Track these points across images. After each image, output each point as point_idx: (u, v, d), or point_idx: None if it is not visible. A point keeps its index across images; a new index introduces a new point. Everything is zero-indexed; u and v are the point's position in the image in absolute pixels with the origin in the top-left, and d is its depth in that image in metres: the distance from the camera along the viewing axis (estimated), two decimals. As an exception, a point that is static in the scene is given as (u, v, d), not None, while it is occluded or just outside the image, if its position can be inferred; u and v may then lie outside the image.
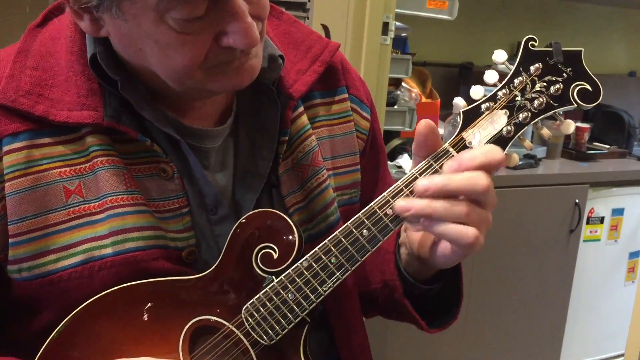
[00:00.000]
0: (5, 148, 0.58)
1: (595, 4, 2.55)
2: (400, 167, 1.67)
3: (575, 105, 0.54)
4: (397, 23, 1.54)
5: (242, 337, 0.59)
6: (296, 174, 0.67)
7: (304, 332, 0.60)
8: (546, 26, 2.49)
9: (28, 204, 0.57)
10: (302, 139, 0.67)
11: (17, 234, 0.57)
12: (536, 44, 0.55)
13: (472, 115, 0.56)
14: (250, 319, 0.59)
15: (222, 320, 0.60)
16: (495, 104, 0.55)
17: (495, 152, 0.53)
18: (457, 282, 0.68)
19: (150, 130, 0.61)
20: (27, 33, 0.62)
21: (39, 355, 0.58)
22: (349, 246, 0.57)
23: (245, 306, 0.59)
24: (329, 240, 0.58)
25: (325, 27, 1.37)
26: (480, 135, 0.55)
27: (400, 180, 0.57)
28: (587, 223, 2.08)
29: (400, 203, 0.55)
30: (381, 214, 0.57)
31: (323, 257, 0.58)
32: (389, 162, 1.45)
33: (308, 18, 1.40)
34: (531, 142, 0.58)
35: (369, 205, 0.57)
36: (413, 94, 1.70)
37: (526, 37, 0.54)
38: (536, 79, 0.55)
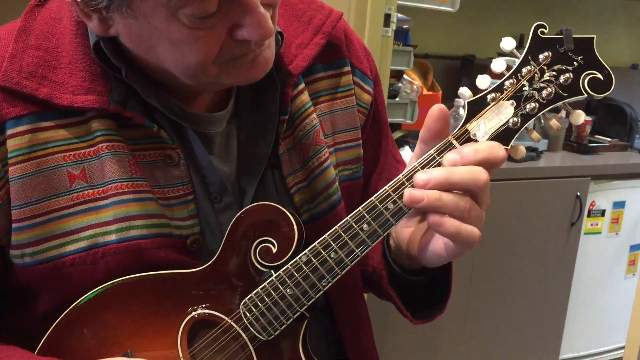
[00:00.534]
0: (9, 132, 0.56)
1: (598, -5, 2.53)
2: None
3: (586, 95, 0.52)
4: (399, 15, 1.53)
5: (240, 331, 0.59)
6: (297, 153, 0.66)
7: (303, 327, 0.60)
8: (548, 18, 2.46)
9: (32, 188, 0.56)
10: (302, 118, 0.66)
11: (21, 219, 0.57)
12: (546, 31, 0.52)
13: (478, 106, 0.54)
14: (248, 314, 0.59)
15: (221, 314, 0.59)
16: (501, 95, 0.53)
17: (499, 149, 0.52)
18: (447, 274, 0.66)
19: (155, 117, 0.60)
20: (28, 11, 0.60)
21: (40, 344, 0.58)
22: (348, 241, 0.56)
23: (243, 301, 0.59)
24: (328, 235, 0.57)
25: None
26: (485, 127, 0.53)
27: (401, 174, 0.56)
28: (588, 216, 2.07)
29: (414, 192, 0.53)
30: (382, 208, 0.55)
31: (322, 251, 0.57)
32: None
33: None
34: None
35: (369, 199, 0.56)
36: (414, 86, 1.69)
37: (535, 24, 0.52)
38: (545, 67, 0.52)
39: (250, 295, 0.58)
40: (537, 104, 0.53)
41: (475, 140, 0.54)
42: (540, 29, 0.52)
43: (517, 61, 0.53)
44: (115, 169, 0.58)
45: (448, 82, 2.13)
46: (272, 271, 0.58)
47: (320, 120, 0.68)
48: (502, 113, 0.53)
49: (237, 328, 0.59)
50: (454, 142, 0.54)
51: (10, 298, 0.61)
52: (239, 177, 0.65)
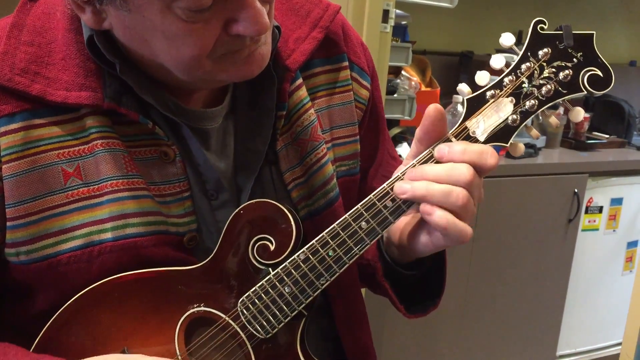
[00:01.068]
0: (1, 129, 0.56)
1: (596, -8, 2.53)
2: (400, 156, 1.66)
3: (585, 92, 0.52)
4: (397, 11, 1.52)
5: (238, 329, 0.58)
6: (295, 149, 0.65)
7: (301, 325, 0.59)
8: (547, 14, 2.46)
9: (26, 186, 0.56)
10: (300, 113, 0.65)
11: (15, 217, 0.56)
12: (545, 27, 0.52)
13: (477, 103, 0.53)
14: (246, 312, 0.58)
15: (218, 312, 0.59)
16: (501, 91, 0.53)
17: (488, 157, 0.52)
18: (441, 269, 0.66)
19: (150, 114, 0.60)
20: (20, 6, 0.60)
21: (36, 342, 0.57)
22: (347, 239, 0.56)
23: (241, 299, 0.58)
24: (326, 233, 0.56)
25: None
26: (484, 124, 0.53)
27: (400, 172, 0.56)
28: (586, 212, 2.08)
29: (400, 184, 0.54)
30: (380, 206, 0.55)
31: (320, 249, 0.56)
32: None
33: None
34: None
35: (368, 197, 0.56)
36: (413, 83, 1.68)
37: (535, 20, 0.51)
38: (544, 64, 0.52)
39: (247, 293, 0.58)
40: (536, 101, 0.53)
41: (475, 138, 0.54)
42: (540, 25, 0.52)
43: (516, 57, 0.53)
44: (110, 166, 0.57)
45: (446, 79, 2.13)
46: (270, 269, 0.58)
47: (317, 116, 0.67)
48: (502, 110, 0.52)
49: (235, 326, 0.58)
50: (453, 139, 0.54)
51: (7, 295, 0.61)
52: (235, 173, 0.64)
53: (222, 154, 0.64)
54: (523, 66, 0.52)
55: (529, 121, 0.53)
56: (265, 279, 0.58)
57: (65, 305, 0.57)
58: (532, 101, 0.53)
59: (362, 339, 0.72)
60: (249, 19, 0.52)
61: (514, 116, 0.53)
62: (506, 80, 0.53)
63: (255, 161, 0.63)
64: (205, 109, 0.63)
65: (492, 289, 1.93)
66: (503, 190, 1.82)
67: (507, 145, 0.54)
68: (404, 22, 1.72)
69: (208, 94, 0.64)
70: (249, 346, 0.58)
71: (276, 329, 0.58)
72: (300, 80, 0.66)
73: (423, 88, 1.77)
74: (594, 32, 0.51)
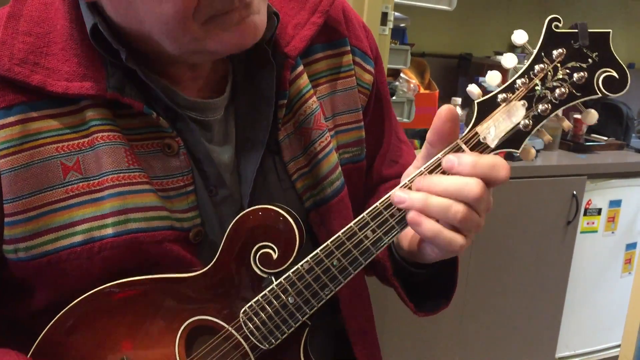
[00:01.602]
0: None
1: (594, -6, 2.53)
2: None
3: (600, 94, 0.50)
4: (396, 13, 1.52)
5: (241, 340, 0.57)
6: (298, 138, 0.63)
7: (304, 335, 0.58)
8: (546, 16, 2.45)
9: (24, 181, 0.54)
10: (302, 101, 0.63)
11: (13, 213, 0.54)
12: (560, 25, 0.49)
13: (487, 107, 0.51)
14: (249, 323, 0.57)
15: (221, 321, 0.57)
16: (513, 95, 0.50)
17: (500, 169, 0.50)
18: (452, 268, 0.65)
19: (152, 106, 0.58)
20: None
21: (35, 345, 0.56)
22: (352, 248, 0.54)
23: (243, 309, 0.57)
24: (331, 242, 0.55)
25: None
26: (496, 129, 0.50)
27: (407, 179, 0.54)
28: (585, 214, 2.07)
29: (398, 193, 0.52)
30: (387, 215, 0.53)
31: (325, 259, 0.55)
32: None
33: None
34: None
35: (374, 205, 0.54)
36: (411, 85, 1.68)
37: (550, 17, 0.48)
38: (559, 65, 0.49)
39: (250, 303, 0.57)
40: (549, 105, 0.50)
41: (485, 145, 0.51)
42: (555, 23, 0.49)
43: (529, 57, 0.50)
44: (111, 160, 0.56)
45: (445, 81, 2.12)
46: (273, 278, 0.56)
47: (320, 103, 0.65)
48: (514, 115, 0.50)
49: (238, 336, 0.57)
50: (463, 146, 0.52)
51: (5, 292, 0.59)
52: (238, 165, 0.62)
53: (224, 146, 0.62)
54: (536, 67, 0.49)
55: (539, 125, 0.51)
56: (268, 289, 0.56)
57: (65, 309, 0.56)
58: (545, 105, 0.50)
59: (365, 319, 0.70)
60: None
61: (526, 121, 0.50)
62: (519, 82, 0.50)
63: (257, 152, 0.61)
64: (207, 99, 0.61)
65: (491, 291, 1.93)
66: (502, 193, 1.82)
67: (519, 151, 0.51)
68: (402, 25, 1.71)
69: (207, 83, 0.62)
70: (252, 357, 0.57)
71: (280, 340, 0.57)
72: (301, 68, 0.64)
73: (422, 90, 1.76)
74: (610, 30, 0.48)
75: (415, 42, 1.90)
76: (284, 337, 0.56)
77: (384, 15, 1.42)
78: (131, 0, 0.51)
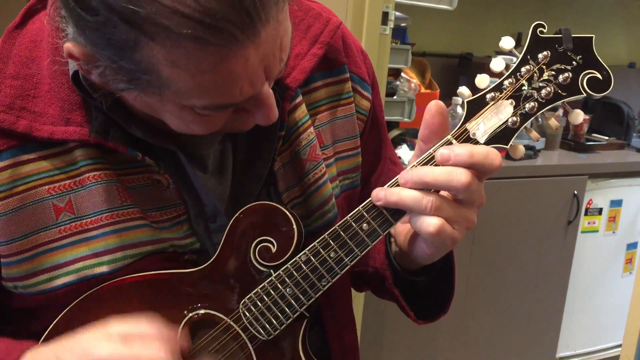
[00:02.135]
0: None
1: (595, -6, 2.54)
2: (399, 158, 1.66)
3: (584, 94, 0.52)
4: (397, 13, 1.53)
5: (240, 331, 0.59)
6: (293, 168, 0.64)
7: (302, 326, 0.60)
8: (546, 17, 2.47)
9: (16, 225, 0.55)
10: (299, 132, 0.64)
11: (8, 255, 0.56)
12: (545, 31, 0.52)
13: (477, 106, 0.53)
14: (247, 314, 0.58)
15: (220, 314, 0.59)
16: (500, 94, 0.53)
17: (495, 157, 0.52)
18: (450, 275, 0.66)
19: (142, 140, 0.58)
20: (5, 36, 0.58)
21: (40, 341, 0.57)
22: (348, 240, 0.56)
23: (243, 300, 0.59)
24: (327, 234, 0.57)
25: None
26: (484, 126, 0.53)
27: (399, 175, 0.55)
28: (585, 214, 2.08)
29: (376, 191, 0.55)
30: (381, 207, 0.55)
31: (322, 251, 0.56)
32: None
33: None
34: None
35: (369, 199, 0.56)
36: (412, 85, 1.69)
37: (535, 23, 0.52)
38: (544, 67, 0.52)
39: (249, 295, 0.58)
40: (536, 103, 0.53)
41: (475, 140, 0.54)
42: (540, 29, 0.52)
43: (516, 60, 0.53)
44: (103, 198, 0.56)
45: (446, 81, 2.13)
46: (272, 270, 0.58)
47: (319, 131, 0.66)
48: (502, 112, 0.53)
49: (237, 328, 0.58)
50: (454, 141, 0.54)
51: (9, 316, 0.61)
52: (234, 195, 0.63)
53: (220, 176, 0.63)
54: (523, 69, 0.52)
55: (528, 123, 0.53)
56: (267, 281, 0.58)
57: (67, 308, 0.57)
58: (532, 103, 0.53)
59: (349, 343, 0.72)
60: (262, 114, 0.52)
61: (514, 118, 0.53)
62: (506, 83, 0.53)
63: (256, 184, 0.63)
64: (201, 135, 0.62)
65: (491, 291, 1.93)
66: (503, 192, 1.83)
67: (507, 147, 0.54)
68: (403, 24, 1.72)
69: None
70: (250, 348, 0.59)
71: (278, 331, 0.58)
72: (300, 98, 0.65)
73: (422, 90, 1.78)
74: (593, 35, 0.51)
75: (416, 42, 1.91)
76: (282, 327, 0.58)
77: (385, 15, 1.43)
78: (159, 113, 0.52)
